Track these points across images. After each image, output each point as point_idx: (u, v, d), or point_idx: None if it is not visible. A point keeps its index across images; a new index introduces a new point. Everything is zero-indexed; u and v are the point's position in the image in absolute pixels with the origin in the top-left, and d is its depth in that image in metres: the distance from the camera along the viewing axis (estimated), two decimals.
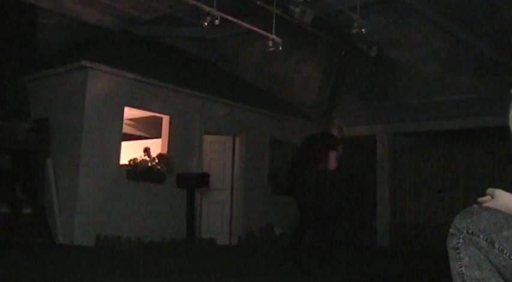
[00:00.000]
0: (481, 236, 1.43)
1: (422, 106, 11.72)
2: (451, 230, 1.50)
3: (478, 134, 11.40)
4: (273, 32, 8.47)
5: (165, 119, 10.10)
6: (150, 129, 11.65)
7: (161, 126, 10.18)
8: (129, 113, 9.92)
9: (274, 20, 8.40)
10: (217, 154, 11.03)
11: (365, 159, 13.30)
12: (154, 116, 10.35)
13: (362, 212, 13.27)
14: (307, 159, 5.98)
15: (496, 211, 1.47)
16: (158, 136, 10.33)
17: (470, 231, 1.45)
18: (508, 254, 1.39)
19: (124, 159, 9.33)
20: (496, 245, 1.40)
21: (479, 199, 1.60)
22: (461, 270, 1.47)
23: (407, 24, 10.00)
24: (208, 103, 10.65)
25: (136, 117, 10.96)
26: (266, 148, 11.84)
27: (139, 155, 9.54)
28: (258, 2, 8.47)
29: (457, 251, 1.47)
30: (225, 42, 12.44)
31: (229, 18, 8.33)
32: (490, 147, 11.43)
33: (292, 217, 11.98)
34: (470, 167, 11.72)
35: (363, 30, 8.55)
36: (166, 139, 10.00)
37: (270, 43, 8.52)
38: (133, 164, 9.36)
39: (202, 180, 9.72)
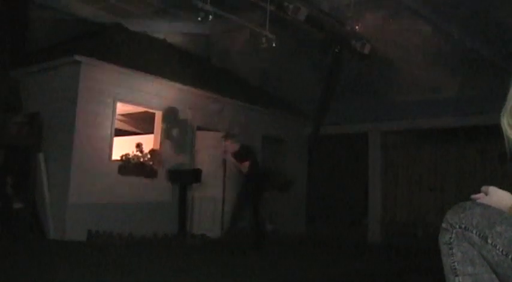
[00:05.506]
0: (474, 231, 1.42)
1: (414, 104, 11.75)
2: (443, 225, 1.49)
3: (469, 133, 11.44)
4: (267, 28, 8.48)
5: (158, 114, 10.08)
6: (142, 124, 11.61)
7: (153, 121, 10.15)
8: (122, 108, 9.88)
9: (268, 17, 8.40)
10: (209, 150, 11.00)
11: (356, 156, 13.32)
12: (147, 112, 10.32)
13: (353, 209, 13.30)
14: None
15: (489, 206, 1.47)
16: (150, 132, 10.30)
17: (463, 227, 1.44)
18: (500, 250, 1.38)
19: (116, 155, 9.30)
20: (489, 240, 1.40)
21: (473, 196, 1.59)
22: (453, 266, 1.45)
23: (401, 23, 10.01)
24: (201, 99, 10.62)
25: (129, 112, 10.91)
26: (258, 145, 11.82)
27: (132, 151, 9.52)
28: None
29: (450, 246, 1.46)
30: (219, 37, 12.41)
31: (223, 13, 8.32)
32: (481, 145, 11.47)
33: (284, 213, 12.03)
34: (461, 165, 11.76)
35: (357, 27, 8.56)
36: (159, 135, 9.97)
37: (264, 39, 8.53)
38: (126, 159, 9.34)
39: (194, 176, 9.71)
